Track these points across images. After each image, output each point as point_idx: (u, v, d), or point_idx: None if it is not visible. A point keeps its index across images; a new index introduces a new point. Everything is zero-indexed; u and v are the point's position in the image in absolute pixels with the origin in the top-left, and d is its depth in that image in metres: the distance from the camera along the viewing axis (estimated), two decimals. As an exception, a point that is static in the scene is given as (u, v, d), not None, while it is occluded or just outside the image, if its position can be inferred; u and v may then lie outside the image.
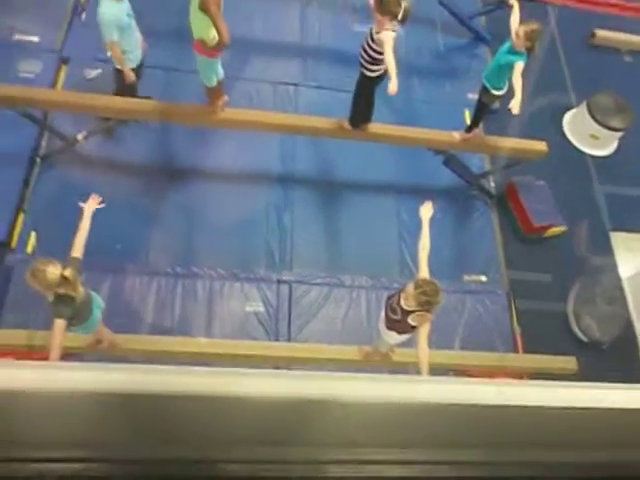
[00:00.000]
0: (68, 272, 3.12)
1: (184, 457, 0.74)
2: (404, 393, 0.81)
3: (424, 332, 3.40)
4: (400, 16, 4.12)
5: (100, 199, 3.63)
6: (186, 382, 0.78)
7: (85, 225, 3.48)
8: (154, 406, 0.75)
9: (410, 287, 3.32)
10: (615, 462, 0.83)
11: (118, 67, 4.85)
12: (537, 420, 0.84)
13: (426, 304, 3.30)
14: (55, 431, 0.73)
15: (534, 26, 4.47)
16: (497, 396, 0.82)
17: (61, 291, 3.16)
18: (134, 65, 4.90)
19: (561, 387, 0.95)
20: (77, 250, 3.36)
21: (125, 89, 5.00)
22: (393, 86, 4.21)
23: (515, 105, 4.42)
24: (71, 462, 0.70)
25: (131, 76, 4.87)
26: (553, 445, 0.83)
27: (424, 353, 3.37)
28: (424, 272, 3.52)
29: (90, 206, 3.57)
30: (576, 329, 5.40)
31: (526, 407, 0.83)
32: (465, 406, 0.80)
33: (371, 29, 4.30)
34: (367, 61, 4.45)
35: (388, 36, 4.18)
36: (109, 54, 4.81)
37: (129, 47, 4.77)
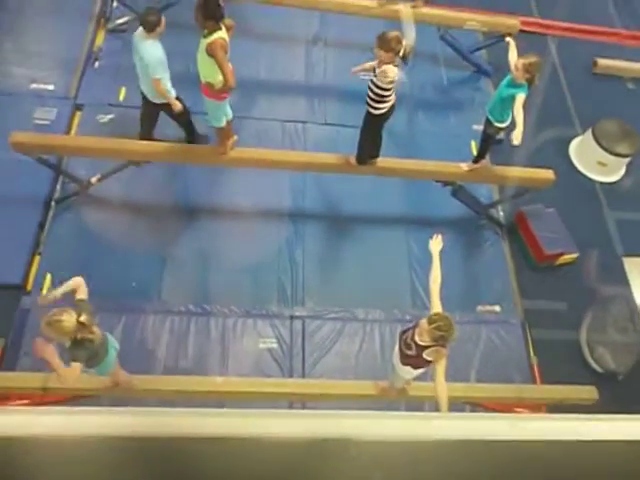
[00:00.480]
0: (84, 317, 3.14)
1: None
2: (418, 431, 0.82)
3: (441, 367, 3.37)
4: (401, 53, 4.21)
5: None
6: (200, 424, 0.80)
7: (72, 286, 3.38)
8: (169, 449, 0.77)
9: (424, 322, 3.32)
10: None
11: (158, 101, 5.09)
12: (555, 454, 0.84)
13: (441, 339, 3.29)
14: (72, 477, 0.74)
15: (532, 59, 4.55)
16: (512, 430, 0.83)
17: (79, 336, 3.19)
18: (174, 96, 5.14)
19: (576, 420, 0.95)
20: (81, 293, 3.35)
21: (182, 119, 5.36)
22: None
23: (516, 136, 4.47)
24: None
25: (178, 104, 5.09)
26: (569, 478, 0.83)
27: (442, 388, 3.34)
28: (437, 306, 3.51)
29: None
30: (590, 360, 5.31)
31: (543, 442, 0.83)
32: (480, 442, 0.80)
33: (375, 69, 4.38)
34: (373, 99, 4.53)
35: (389, 68, 4.25)
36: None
37: (169, 83, 5.04)
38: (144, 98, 5.18)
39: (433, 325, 3.26)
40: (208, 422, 0.80)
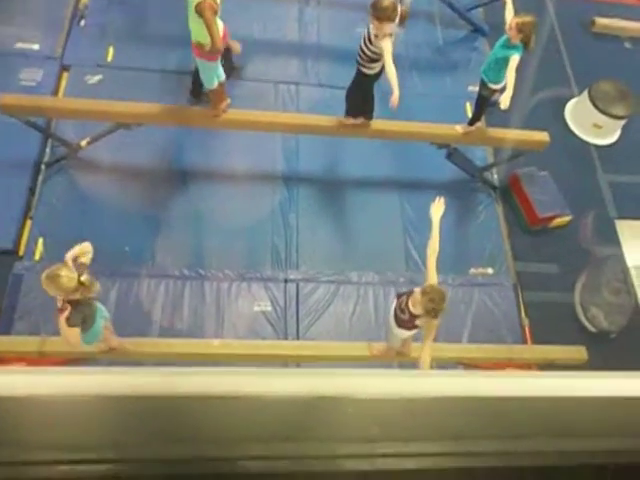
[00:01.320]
0: (85, 277, 3.14)
1: (199, 455, 0.76)
2: (416, 388, 0.83)
3: (429, 335, 3.44)
4: (397, 20, 4.15)
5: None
6: (199, 383, 0.80)
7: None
8: (165, 408, 0.77)
9: (418, 293, 3.36)
10: (626, 449, 0.85)
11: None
12: (548, 410, 0.86)
13: (432, 311, 3.34)
14: (76, 434, 0.75)
15: (527, 18, 4.45)
16: (508, 387, 0.84)
17: (77, 296, 3.18)
18: None
19: (571, 377, 0.97)
20: (86, 258, 3.35)
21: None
22: (394, 99, 4.25)
23: (505, 99, 4.42)
24: (95, 463, 0.72)
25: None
26: (565, 434, 0.84)
27: (426, 356, 3.42)
28: (432, 278, 3.52)
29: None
30: (583, 319, 5.40)
31: (537, 398, 0.84)
32: (477, 399, 0.81)
33: (369, 28, 4.30)
34: (365, 59, 4.45)
35: (387, 44, 4.20)
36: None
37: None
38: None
39: (426, 297, 3.30)
40: (204, 380, 0.81)
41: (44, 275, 3.10)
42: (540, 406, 0.86)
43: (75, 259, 3.29)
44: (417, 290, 3.38)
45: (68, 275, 3.08)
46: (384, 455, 0.78)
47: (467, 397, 0.82)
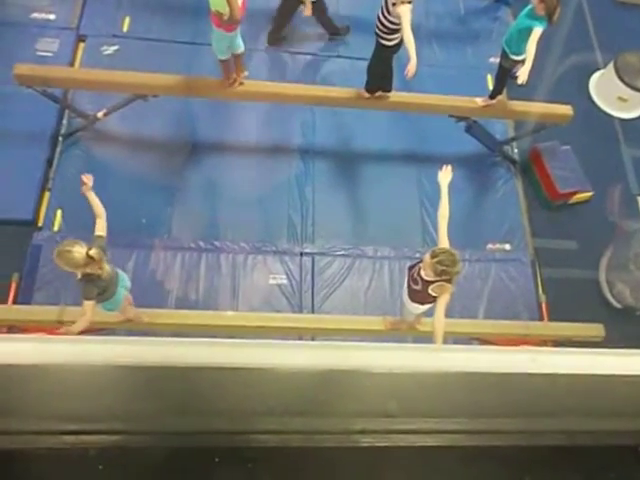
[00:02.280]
0: (93, 251, 3.17)
1: (211, 429, 0.75)
2: (432, 362, 0.81)
3: (442, 302, 3.38)
4: None
5: (88, 177, 3.57)
6: (216, 354, 0.79)
7: (97, 207, 3.47)
8: (185, 378, 0.76)
9: (427, 256, 3.30)
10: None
11: None
12: (571, 388, 0.83)
13: (443, 273, 3.27)
14: (87, 404, 0.74)
15: None
16: (530, 364, 0.81)
17: (87, 270, 3.23)
18: None
19: (592, 354, 0.94)
20: (100, 229, 3.41)
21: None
22: (412, 67, 4.16)
23: (523, 73, 4.32)
24: (104, 434, 0.71)
25: None
26: (588, 413, 0.82)
27: (440, 324, 3.35)
28: (444, 242, 3.48)
29: (86, 190, 3.52)
30: (609, 295, 5.33)
31: (560, 375, 0.82)
32: (496, 375, 0.79)
33: (388, 5, 4.20)
34: (383, 31, 4.37)
35: (405, 10, 4.10)
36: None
37: None
38: None
39: (435, 259, 3.25)
40: (216, 352, 0.79)
41: (55, 251, 3.18)
42: (564, 384, 0.83)
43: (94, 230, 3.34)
44: (427, 254, 3.33)
45: (77, 250, 3.12)
46: (401, 431, 0.76)
47: (483, 373, 0.80)
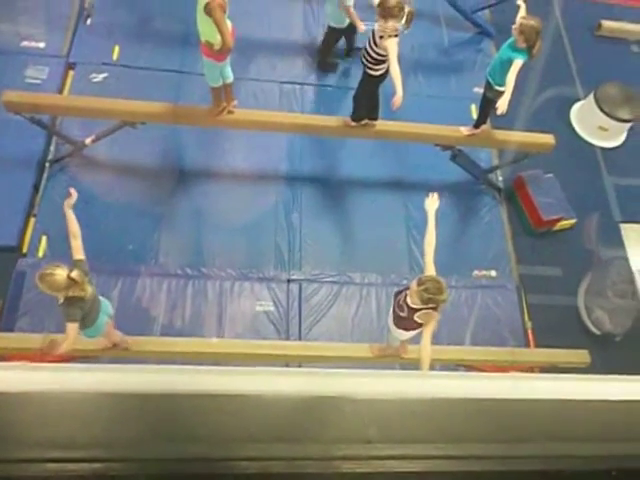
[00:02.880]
0: (74, 273, 3.17)
1: (193, 455, 0.75)
2: (416, 389, 0.81)
3: (429, 330, 3.40)
4: (403, 20, 4.16)
5: (73, 191, 3.57)
6: (199, 381, 0.79)
7: (73, 226, 3.44)
8: (168, 405, 0.77)
9: (414, 284, 3.32)
10: (629, 455, 0.83)
11: (339, 26, 5.85)
12: (551, 413, 0.85)
13: (429, 301, 3.29)
14: (71, 432, 0.74)
15: (531, 21, 4.43)
16: (511, 390, 0.83)
17: (70, 293, 3.21)
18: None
19: (575, 380, 0.95)
20: (77, 252, 3.38)
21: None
22: (398, 99, 4.25)
23: (502, 104, 4.43)
24: (88, 462, 0.71)
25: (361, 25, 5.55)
26: (567, 438, 0.83)
27: (426, 352, 3.37)
28: (430, 269, 3.51)
29: (68, 204, 3.50)
30: (587, 321, 5.37)
31: (539, 400, 0.83)
32: (478, 400, 0.80)
33: (374, 31, 4.32)
34: (370, 62, 4.48)
35: (392, 44, 4.22)
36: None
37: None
38: (328, 27, 5.96)
39: (422, 287, 3.27)
40: (199, 379, 0.80)
41: (37, 275, 3.18)
42: (543, 409, 0.84)
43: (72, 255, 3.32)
44: (413, 282, 3.35)
45: (58, 273, 3.12)
46: (382, 457, 0.77)
47: (467, 399, 0.81)
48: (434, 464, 0.77)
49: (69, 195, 3.53)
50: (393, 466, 0.75)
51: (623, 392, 0.89)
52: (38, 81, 5.66)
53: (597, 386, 0.92)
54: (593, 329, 5.34)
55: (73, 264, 3.31)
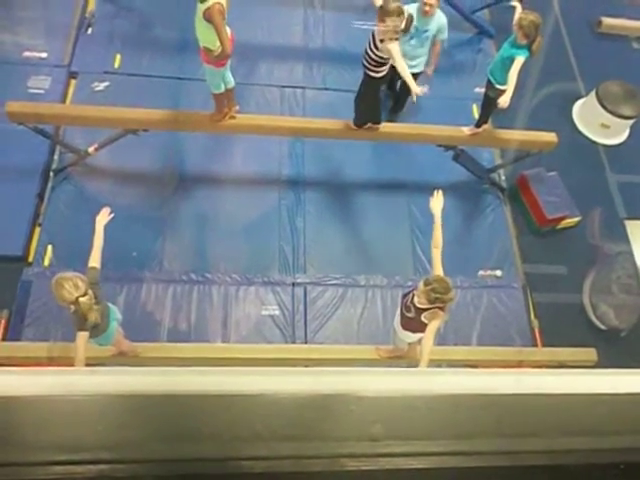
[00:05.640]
0: (83, 300, 3.14)
1: (199, 456, 0.75)
2: (420, 385, 0.81)
3: (433, 327, 3.40)
4: (403, 26, 4.17)
5: (110, 211, 3.67)
6: (204, 381, 0.80)
7: (98, 239, 3.52)
8: (173, 406, 0.77)
9: (421, 284, 3.34)
10: (638, 447, 0.83)
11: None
12: (557, 408, 0.84)
13: (437, 301, 3.30)
14: (76, 434, 0.74)
15: (530, 16, 4.43)
16: (516, 385, 0.83)
17: (74, 309, 3.21)
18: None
19: (580, 374, 0.95)
20: (94, 261, 3.42)
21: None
22: (413, 95, 4.25)
23: (504, 100, 4.43)
24: (94, 464, 0.71)
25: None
26: (574, 433, 0.83)
27: (427, 347, 3.36)
28: (438, 269, 3.52)
29: (101, 220, 3.60)
30: (593, 317, 5.35)
31: (544, 395, 0.83)
32: (483, 396, 0.80)
33: (373, 33, 4.32)
34: (372, 64, 4.47)
35: (394, 47, 4.22)
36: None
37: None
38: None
39: (429, 287, 3.28)
40: (204, 379, 0.80)
41: (54, 278, 3.21)
42: (549, 404, 0.84)
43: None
44: (421, 282, 3.36)
45: (67, 290, 3.12)
46: (388, 454, 0.77)
47: (472, 395, 0.81)
48: (440, 460, 0.77)
49: (104, 212, 3.64)
50: (399, 463, 0.75)
51: (630, 385, 0.88)
52: (41, 91, 5.69)
53: (603, 380, 0.92)
54: (599, 324, 5.32)
55: (87, 270, 3.36)
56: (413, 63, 5.31)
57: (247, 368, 0.84)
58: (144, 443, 0.74)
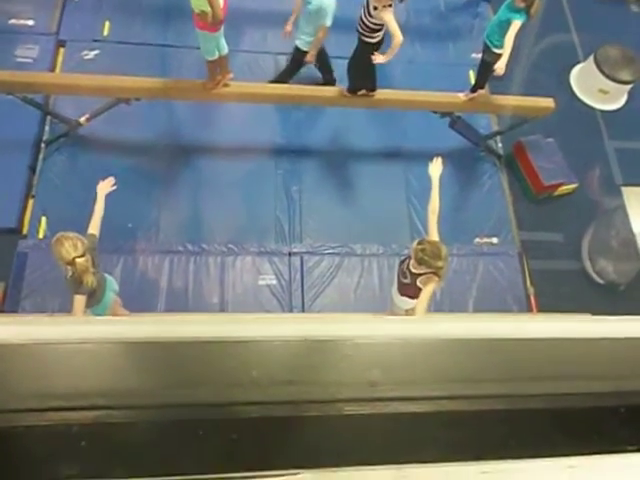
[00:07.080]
0: (80, 261, 3.15)
1: (199, 401, 0.74)
2: (418, 331, 0.81)
3: (427, 291, 3.40)
4: None
5: (113, 182, 3.64)
6: (199, 328, 0.79)
7: (99, 207, 3.52)
8: (167, 353, 0.76)
9: (415, 243, 3.35)
10: (638, 391, 0.83)
11: (305, 49, 5.07)
12: (557, 352, 0.84)
13: (422, 262, 3.30)
14: (71, 381, 0.73)
15: None
16: (516, 330, 0.82)
17: (70, 271, 3.21)
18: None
19: (580, 321, 0.95)
20: (93, 228, 3.42)
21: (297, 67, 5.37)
22: (387, 55, 4.21)
23: (500, 66, 4.38)
24: (88, 410, 0.70)
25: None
26: (574, 376, 0.82)
27: (421, 311, 3.38)
28: (433, 235, 3.52)
29: (103, 188, 3.59)
30: (592, 272, 5.38)
31: (545, 340, 0.82)
32: (482, 340, 0.79)
33: (367, 0, 4.24)
34: (367, 30, 4.39)
35: (389, 15, 4.14)
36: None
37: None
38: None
39: (420, 246, 3.29)
40: (205, 326, 0.79)
41: (56, 236, 3.25)
42: (548, 348, 0.84)
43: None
44: (415, 242, 3.38)
45: (66, 249, 3.12)
46: (386, 399, 0.77)
47: (471, 339, 0.80)
48: (438, 404, 0.76)
49: (108, 180, 3.66)
50: (397, 407, 0.75)
51: (630, 330, 0.88)
52: (29, 60, 5.58)
53: (603, 325, 0.92)
54: (597, 279, 5.35)
55: (86, 236, 3.37)
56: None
57: (243, 315, 0.83)
58: (139, 389, 0.74)
